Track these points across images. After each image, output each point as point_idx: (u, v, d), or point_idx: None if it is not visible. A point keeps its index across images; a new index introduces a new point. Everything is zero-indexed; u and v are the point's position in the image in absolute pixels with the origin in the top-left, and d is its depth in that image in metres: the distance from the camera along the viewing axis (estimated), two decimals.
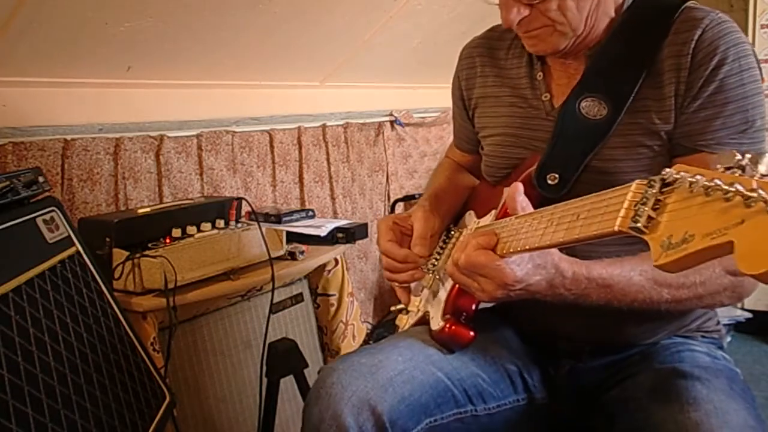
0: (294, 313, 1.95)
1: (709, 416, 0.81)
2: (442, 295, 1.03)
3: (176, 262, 1.47)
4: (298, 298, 1.96)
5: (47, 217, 1.14)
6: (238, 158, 2.25)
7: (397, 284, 1.12)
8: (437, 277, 1.10)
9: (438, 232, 1.14)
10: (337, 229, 1.99)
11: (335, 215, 2.69)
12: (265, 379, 1.58)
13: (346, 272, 2.03)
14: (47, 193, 1.18)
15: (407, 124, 3.05)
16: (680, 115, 0.93)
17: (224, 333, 1.73)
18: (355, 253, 2.79)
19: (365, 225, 2.07)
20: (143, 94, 1.97)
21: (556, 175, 0.97)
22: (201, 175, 2.11)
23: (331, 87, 2.63)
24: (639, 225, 0.59)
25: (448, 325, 0.98)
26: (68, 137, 1.75)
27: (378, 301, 2.94)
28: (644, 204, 0.60)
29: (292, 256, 1.83)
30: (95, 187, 1.82)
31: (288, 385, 1.69)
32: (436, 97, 3.15)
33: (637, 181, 0.63)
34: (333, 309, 1.99)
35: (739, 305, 2.81)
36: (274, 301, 1.73)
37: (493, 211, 1.05)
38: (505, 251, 0.81)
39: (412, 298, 1.16)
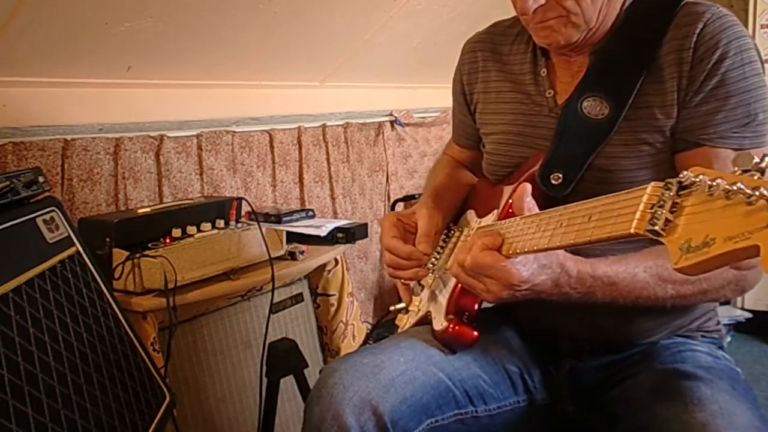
0: (294, 313, 1.95)
1: (715, 417, 0.81)
2: (444, 294, 1.03)
3: (176, 262, 1.47)
4: (298, 298, 1.96)
5: (47, 217, 1.14)
6: (238, 158, 2.24)
7: (400, 282, 1.12)
8: (438, 276, 1.10)
9: (441, 230, 1.14)
10: (337, 229, 1.99)
11: (335, 215, 2.69)
12: (265, 379, 1.57)
13: (346, 272, 2.03)
14: (47, 193, 1.18)
15: (407, 124, 3.05)
16: (682, 110, 0.93)
17: (224, 333, 1.73)
18: (355, 253, 2.78)
19: (365, 225, 2.07)
20: (143, 94, 1.97)
21: (560, 175, 0.97)
22: (201, 175, 2.11)
23: (331, 87, 2.63)
24: (656, 228, 0.58)
25: (451, 326, 0.97)
26: (68, 137, 1.75)
27: (378, 301, 2.93)
28: (661, 206, 0.59)
29: (292, 256, 1.83)
30: (95, 187, 1.82)
31: (288, 385, 1.69)
32: (436, 97, 3.14)
33: (653, 183, 0.62)
34: (333, 309, 1.99)
35: (739, 305, 2.82)
36: (274, 301, 1.73)
37: (495, 211, 1.05)
38: (510, 252, 0.81)
39: (412, 297, 1.16)
